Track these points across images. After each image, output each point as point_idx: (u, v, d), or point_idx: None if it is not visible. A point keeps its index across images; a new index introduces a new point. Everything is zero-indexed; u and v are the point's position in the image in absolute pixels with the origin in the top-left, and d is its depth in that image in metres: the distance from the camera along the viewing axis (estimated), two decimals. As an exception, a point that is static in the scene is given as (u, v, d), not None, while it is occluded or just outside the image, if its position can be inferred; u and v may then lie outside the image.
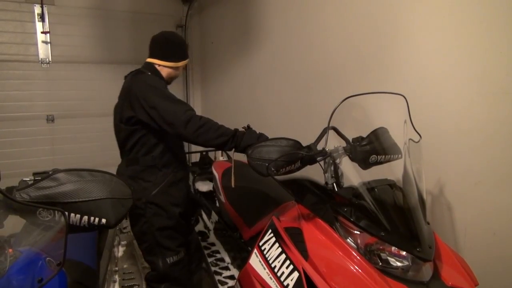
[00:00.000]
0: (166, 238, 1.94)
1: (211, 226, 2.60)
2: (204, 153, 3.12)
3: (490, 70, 1.60)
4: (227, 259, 2.35)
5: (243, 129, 1.76)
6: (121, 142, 1.95)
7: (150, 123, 1.80)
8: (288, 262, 1.31)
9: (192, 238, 2.26)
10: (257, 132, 1.75)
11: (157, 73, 1.99)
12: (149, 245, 1.94)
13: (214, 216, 2.52)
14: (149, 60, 2.03)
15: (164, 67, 2.01)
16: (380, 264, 1.22)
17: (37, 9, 3.72)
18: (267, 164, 1.40)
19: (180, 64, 2.05)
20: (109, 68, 4.05)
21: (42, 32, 3.76)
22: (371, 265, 1.20)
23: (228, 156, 2.81)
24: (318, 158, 1.43)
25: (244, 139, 1.69)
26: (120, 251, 3.00)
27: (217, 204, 2.51)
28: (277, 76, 3.11)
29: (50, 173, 1.06)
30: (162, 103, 1.75)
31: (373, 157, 1.51)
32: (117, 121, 1.94)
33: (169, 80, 2.07)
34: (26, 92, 3.79)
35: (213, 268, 2.28)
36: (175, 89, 4.56)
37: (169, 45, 2.03)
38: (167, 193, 1.94)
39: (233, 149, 1.74)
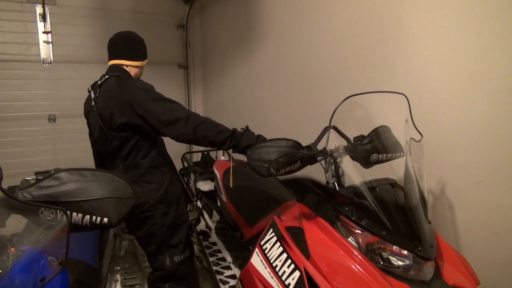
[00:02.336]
0: (174, 236, 1.94)
1: (212, 225, 2.60)
2: (205, 152, 3.12)
3: (492, 69, 1.60)
4: (229, 259, 2.34)
5: (242, 130, 1.75)
6: (115, 150, 1.87)
7: (145, 128, 1.77)
8: (289, 261, 1.31)
9: None
10: (255, 134, 1.74)
11: (127, 74, 1.93)
12: (157, 246, 1.92)
13: (216, 216, 2.52)
14: (115, 62, 1.95)
15: (132, 67, 1.97)
16: (382, 263, 1.22)
17: (38, 9, 3.73)
18: (267, 165, 1.41)
19: (145, 63, 2.03)
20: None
21: (43, 32, 3.78)
22: (372, 264, 1.20)
23: (230, 156, 2.82)
24: (319, 158, 1.43)
25: (242, 139, 1.69)
26: (122, 250, 3.00)
27: (219, 204, 2.51)
28: (278, 76, 3.11)
29: (52, 172, 1.06)
30: (158, 105, 1.73)
31: (374, 156, 1.51)
32: (106, 130, 1.84)
33: None
34: (28, 92, 3.80)
35: (214, 268, 2.28)
36: (176, 90, 4.59)
37: (134, 44, 1.99)
38: (171, 191, 1.94)
39: (231, 149, 1.73)
